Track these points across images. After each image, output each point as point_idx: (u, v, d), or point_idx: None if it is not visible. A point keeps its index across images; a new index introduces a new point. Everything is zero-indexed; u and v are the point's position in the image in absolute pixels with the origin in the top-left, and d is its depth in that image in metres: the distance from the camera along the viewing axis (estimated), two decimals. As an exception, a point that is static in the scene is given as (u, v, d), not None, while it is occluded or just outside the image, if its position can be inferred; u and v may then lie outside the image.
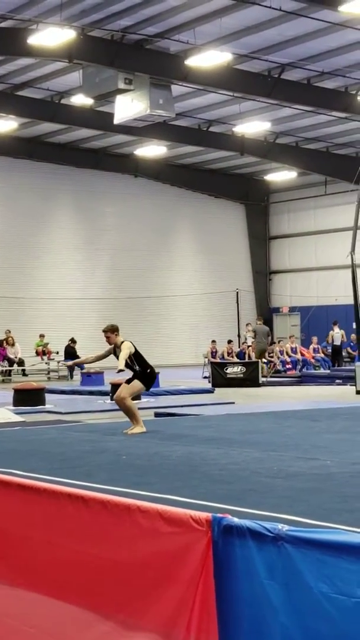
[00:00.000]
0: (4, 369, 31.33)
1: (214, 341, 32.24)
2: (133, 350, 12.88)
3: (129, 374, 13.13)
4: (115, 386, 20.30)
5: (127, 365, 12.84)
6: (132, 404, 13.12)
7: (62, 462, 9.88)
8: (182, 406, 18.05)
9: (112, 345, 12.99)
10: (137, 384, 13.01)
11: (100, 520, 4.15)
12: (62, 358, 32.48)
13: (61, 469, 8.94)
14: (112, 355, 13.22)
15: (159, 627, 3.80)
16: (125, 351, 12.77)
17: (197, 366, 32.06)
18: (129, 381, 13.04)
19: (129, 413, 12.96)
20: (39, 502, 4.44)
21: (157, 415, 16.49)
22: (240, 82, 27.13)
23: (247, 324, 36.97)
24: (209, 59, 24.48)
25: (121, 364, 12.70)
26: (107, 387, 21.40)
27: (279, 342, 33.21)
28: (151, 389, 21.93)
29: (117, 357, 12.93)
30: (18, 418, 15.97)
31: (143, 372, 12.93)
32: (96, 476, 8.38)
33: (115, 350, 13.03)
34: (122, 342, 12.88)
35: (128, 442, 11.72)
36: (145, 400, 19.72)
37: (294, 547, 3.55)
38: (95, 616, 4.06)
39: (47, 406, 18.82)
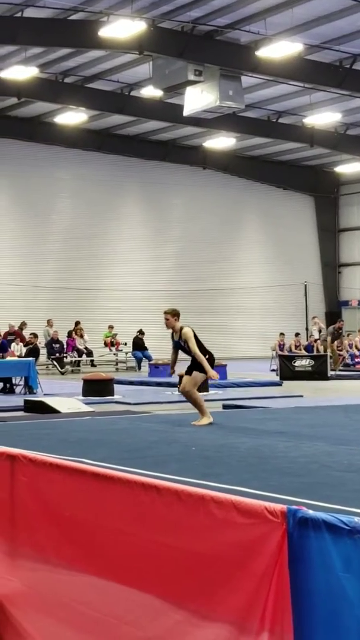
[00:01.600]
0: (73, 359, 31.60)
1: (282, 334, 32.10)
2: (194, 337, 12.78)
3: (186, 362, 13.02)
4: (181, 377, 20.37)
5: (188, 352, 12.76)
6: (198, 395, 13.08)
7: (132, 452, 9.94)
8: (250, 398, 18.04)
9: (171, 331, 12.81)
10: (198, 375, 12.91)
11: (173, 510, 4.15)
12: (130, 349, 32.66)
13: (131, 459, 8.98)
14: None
15: (233, 618, 3.79)
16: (192, 340, 12.67)
17: (264, 359, 31.95)
18: (189, 371, 12.95)
19: (196, 405, 12.94)
20: (112, 491, 4.46)
21: (225, 407, 16.49)
22: (311, 72, 26.92)
23: (313, 317, 36.69)
24: (280, 49, 24.35)
25: (198, 354, 12.63)
26: (175, 379, 21.46)
27: (347, 335, 32.89)
28: (219, 381, 22.01)
29: (176, 342, 12.73)
30: (87, 408, 16.11)
31: (210, 357, 12.83)
32: (166, 466, 8.41)
33: (173, 335, 12.87)
34: (182, 328, 12.76)
35: (197, 434, 11.73)
36: (213, 392, 19.74)
37: (370, 540, 3.52)
38: (168, 605, 4.06)
39: (116, 397, 18.96)
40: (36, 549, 4.96)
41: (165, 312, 12.83)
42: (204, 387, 20.00)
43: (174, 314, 12.79)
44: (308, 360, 26.22)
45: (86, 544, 4.63)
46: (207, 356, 12.83)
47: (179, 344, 12.85)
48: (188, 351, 12.74)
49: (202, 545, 4.00)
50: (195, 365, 12.79)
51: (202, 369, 12.76)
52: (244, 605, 3.77)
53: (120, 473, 4.59)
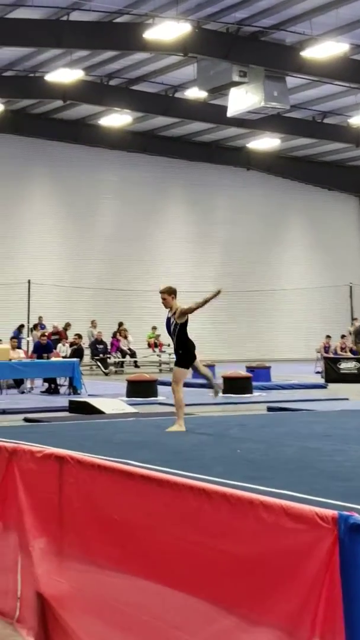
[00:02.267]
0: (117, 360, 31.69)
1: (328, 336, 31.91)
2: (186, 319, 12.07)
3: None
4: (228, 379, 20.34)
5: (178, 345, 12.22)
6: (180, 395, 12.41)
7: (176, 454, 9.92)
8: (294, 401, 17.93)
9: (168, 311, 12.23)
10: (179, 371, 12.28)
11: (222, 513, 4.12)
12: (173, 350, 32.63)
13: (175, 461, 8.96)
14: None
15: (283, 624, 3.75)
16: (182, 317, 12.10)
17: (308, 361, 31.79)
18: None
19: (176, 405, 12.32)
20: (160, 494, 4.44)
21: (269, 409, 16.41)
22: (357, 72, 26.78)
23: (354, 319, 36.34)
24: (325, 49, 24.24)
25: (197, 305, 12.15)
26: (219, 380, 21.43)
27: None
28: (263, 383, 21.91)
29: (167, 319, 12.25)
30: (131, 409, 16.13)
31: (185, 354, 12.20)
32: (211, 469, 8.37)
33: (169, 319, 12.25)
34: (178, 307, 12.17)
35: (242, 436, 11.68)
36: (257, 394, 19.68)
37: None
38: (217, 609, 4.04)
39: (160, 398, 18.97)
40: (84, 550, 4.96)
41: (161, 292, 12.26)
42: (247, 388, 19.98)
43: (170, 292, 12.19)
44: (354, 362, 26.02)
45: (134, 547, 4.62)
46: (182, 352, 12.09)
47: (168, 323, 12.33)
48: (171, 335, 12.12)
49: (251, 549, 3.97)
50: (179, 359, 12.14)
51: (182, 363, 12.20)
52: (294, 612, 3.73)
53: (169, 476, 4.57)
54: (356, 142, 34.74)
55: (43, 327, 29.82)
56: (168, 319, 12.28)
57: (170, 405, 17.56)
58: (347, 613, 3.54)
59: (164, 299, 12.14)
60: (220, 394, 14.32)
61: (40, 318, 31.11)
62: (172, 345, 32.80)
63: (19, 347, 24.70)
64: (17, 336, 27.80)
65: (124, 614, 4.55)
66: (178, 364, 12.15)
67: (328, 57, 24.71)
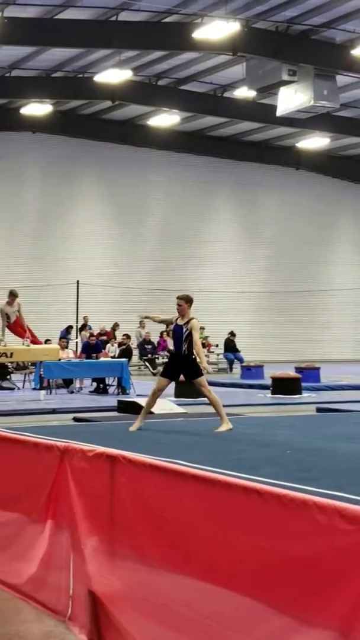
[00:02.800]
0: (165, 360, 31.70)
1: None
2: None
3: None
4: (276, 380, 20.26)
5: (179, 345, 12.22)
6: (215, 397, 12.14)
7: (226, 454, 9.88)
8: (344, 402, 17.79)
9: (177, 317, 11.85)
10: (201, 377, 11.93)
11: (275, 514, 4.12)
12: (222, 351, 32.65)
13: (225, 461, 8.92)
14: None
15: (336, 625, 3.74)
16: (197, 332, 12.02)
17: (358, 362, 31.54)
18: (176, 376, 12.23)
19: (217, 408, 12.20)
20: (213, 494, 4.44)
21: (319, 410, 16.29)
22: None
23: None
24: (376, 48, 24.00)
25: (199, 345, 11.96)
26: (267, 381, 21.36)
27: None
28: (312, 384, 21.77)
29: (178, 327, 11.85)
30: (180, 409, 16.14)
31: (195, 360, 11.84)
32: (261, 470, 8.32)
33: (176, 320, 11.86)
34: (192, 319, 11.72)
35: (291, 437, 11.62)
36: (306, 395, 19.58)
37: None
38: (269, 609, 4.03)
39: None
40: (136, 549, 4.98)
41: (179, 298, 11.90)
42: (296, 389, 19.89)
43: (188, 299, 11.83)
44: None
45: (186, 546, 4.63)
46: (194, 358, 11.82)
47: (180, 331, 12.16)
48: (182, 342, 12.11)
49: (305, 550, 3.96)
50: (189, 371, 11.95)
51: (198, 369, 11.97)
52: (348, 612, 3.71)
53: (221, 476, 4.57)
54: None
55: (89, 327, 29.97)
56: (179, 327, 12.08)
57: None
58: None
59: (180, 305, 11.91)
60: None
61: (85, 318, 31.25)
62: (220, 346, 32.50)
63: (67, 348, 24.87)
64: (64, 336, 27.97)
65: (175, 613, 4.55)
66: (196, 372, 12.02)
67: (378, 56, 24.52)
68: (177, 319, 12.07)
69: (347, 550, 3.79)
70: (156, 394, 12.36)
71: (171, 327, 12.28)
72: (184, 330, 11.86)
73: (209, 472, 4.79)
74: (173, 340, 12.18)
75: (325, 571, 3.88)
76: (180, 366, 12.12)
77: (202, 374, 12.01)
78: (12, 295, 19.30)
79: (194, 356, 11.74)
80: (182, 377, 12.54)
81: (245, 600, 4.17)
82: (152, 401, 12.52)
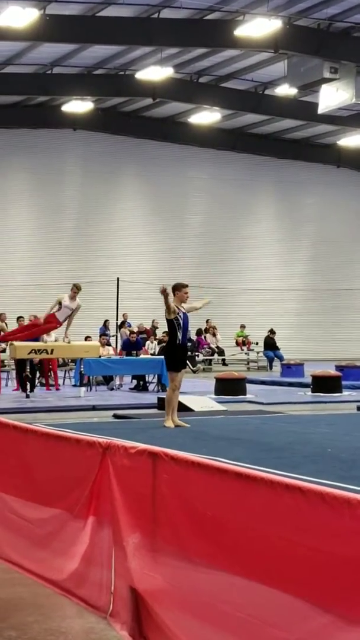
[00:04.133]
0: (205, 357, 31.75)
1: None
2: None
3: None
4: (317, 378, 20.19)
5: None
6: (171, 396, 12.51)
7: (267, 452, 9.89)
8: (385, 401, 17.68)
9: (178, 305, 12.33)
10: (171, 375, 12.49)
11: (317, 512, 4.10)
12: (262, 348, 32.59)
13: (266, 459, 8.94)
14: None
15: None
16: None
17: None
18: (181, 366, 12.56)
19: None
20: (255, 491, 4.43)
21: (359, 409, 16.23)
22: None
23: None
24: None
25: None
26: (308, 379, 21.30)
27: None
28: (353, 382, 21.64)
29: (184, 314, 12.31)
30: (220, 407, 16.15)
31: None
32: (302, 468, 8.33)
33: (178, 308, 12.35)
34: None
35: (332, 435, 11.59)
36: (347, 394, 19.50)
37: None
38: (312, 607, 4.01)
39: (248, 396, 18.94)
40: (178, 546, 4.98)
41: (186, 286, 12.55)
42: (337, 387, 19.79)
43: None
44: None
45: (228, 544, 4.62)
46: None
47: (187, 319, 12.28)
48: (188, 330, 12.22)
49: (348, 549, 3.93)
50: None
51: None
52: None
53: (263, 473, 4.56)
54: None
55: (129, 325, 30.05)
56: (186, 315, 12.35)
57: (258, 404, 17.53)
58: None
59: (187, 293, 12.38)
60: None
61: (124, 315, 31.33)
62: (260, 344, 32.50)
63: (108, 344, 24.97)
64: (104, 332, 28.12)
65: (218, 610, 4.55)
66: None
67: None
68: (180, 308, 12.28)
69: (391, 549, 3.77)
70: (178, 388, 12.56)
71: (180, 314, 12.36)
72: (185, 317, 12.20)
73: (250, 469, 4.78)
74: (183, 330, 12.33)
75: (369, 570, 3.85)
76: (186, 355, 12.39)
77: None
78: (78, 288, 19.01)
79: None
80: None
81: (287, 597, 4.16)
82: (175, 396, 12.69)
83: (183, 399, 16.31)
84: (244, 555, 4.48)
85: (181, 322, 12.27)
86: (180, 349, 12.41)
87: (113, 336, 30.06)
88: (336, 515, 4.01)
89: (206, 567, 4.69)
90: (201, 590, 4.70)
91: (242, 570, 4.47)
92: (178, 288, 12.56)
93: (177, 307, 12.34)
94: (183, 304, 12.54)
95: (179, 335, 12.26)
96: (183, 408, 15.44)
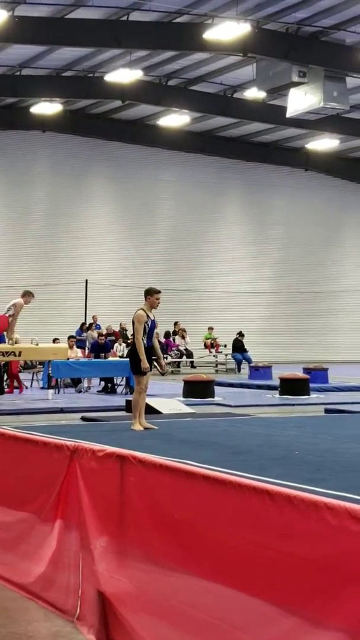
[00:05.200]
0: (173, 360, 31.74)
1: None
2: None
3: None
4: (285, 381, 20.25)
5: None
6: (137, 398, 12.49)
7: (235, 455, 9.88)
8: (353, 403, 17.77)
9: (148, 312, 12.15)
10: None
11: (285, 515, 4.11)
12: (230, 351, 32.66)
13: (234, 462, 8.92)
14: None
15: (347, 627, 3.73)
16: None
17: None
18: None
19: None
20: (223, 494, 4.44)
21: (327, 411, 16.28)
22: None
23: None
24: (386, 49, 23.96)
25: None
26: (276, 382, 21.35)
27: None
28: (320, 385, 21.72)
29: (152, 322, 12.22)
30: (188, 409, 16.13)
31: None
32: (270, 470, 8.32)
33: (148, 317, 12.13)
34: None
35: (299, 437, 11.61)
36: (314, 396, 19.55)
37: None
38: (279, 611, 4.03)
39: (216, 399, 18.94)
40: (145, 549, 4.98)
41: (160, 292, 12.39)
42: (304, 390, 19.85)
43: None
44: None
45: (195, 547, 4.63)
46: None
47: (153, 325, 12.26)
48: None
49: (315, 552, 3.95)
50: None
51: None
52: (358, 614, 3.70)
53: (231, 476, 4.57)
54: None
55: (98, 327, 29.98)
56: (153, 322, 12.28)
57: (226, 406, 17.54)
58: None
59: (159, 299, 12.28)
60: None
61: (94, 318, 31.27)
62: (228, 346, 32.52)
63: (81, 347, 24.88)
64: (80, 335, 28.05)
65: (185, 614, 4.55)
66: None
67: (389, 57, 24.50)
68: (149, 315, 12.22)
69: (358, 551, 3.78)
70: (145, 391, 12.51)
71: (148, 322, 12.30)
72: (155, 324, 12.16)
73: (218, 472, 4.78)
74: (148, 335, 12.25)
75: (335, 572, 3.87)
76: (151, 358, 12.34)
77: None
78: (31, 295, 18.90)
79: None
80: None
81: (254, 601, 4.17)
82: (142, 399, 12.63)
83: (151, 401, 16.29)
84: (211, 558, 4.49)
85: (147, 329, 12.21)
86: (147, 351, 12.38)
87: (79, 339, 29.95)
88: (303, 518, 4.03)
89: (173, 570, 4.69)
90: (168, 593, 4.70)
91: (209, 574, 4.48)
92: (150, 293, 12.44)
93: (147, 314, 12.28)
94: (153, 309, 12.50)
95: (144, 340, 12.19)
96: (151, 410, 15.42)
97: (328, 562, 3.89)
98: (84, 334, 28.99)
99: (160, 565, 4.81)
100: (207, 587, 4.44)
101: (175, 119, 32.94)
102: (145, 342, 12.28)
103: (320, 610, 3.85)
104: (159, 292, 12.43)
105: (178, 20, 24.59)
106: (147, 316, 12.26)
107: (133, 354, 12.50)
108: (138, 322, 12.09)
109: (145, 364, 12.11)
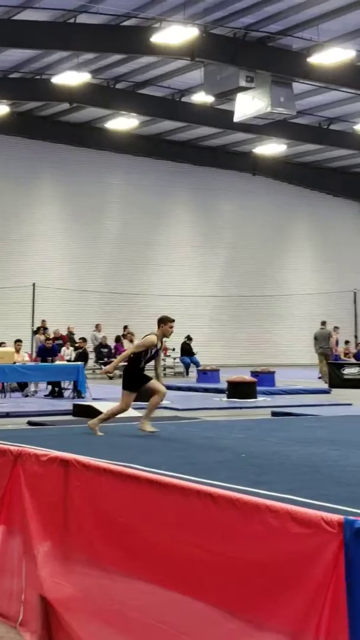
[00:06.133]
0: (122, 364, 31.66)
1: (347, 341, 31.86)
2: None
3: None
4: (232, 384, 20.32)
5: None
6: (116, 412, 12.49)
7: (181, 458, 9.89)
8: (298, 406, 17.90)
9: (157, 340, 11.99)
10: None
11: (228, 518, 4.12)
12: (178, 354, 32.69)
13: (181, 465, 8.93)
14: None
15: (287, 629, 3.75)
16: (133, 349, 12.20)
17: (312, 366, 31.74)
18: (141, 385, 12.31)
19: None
20: (167, 498, 4.44)
21: (274, 414, 16.39)
22: (364, 79, 26.73)
23: (335, 328, 35.52)
24: (332, 56, 24.22)
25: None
26: (223, 385, 21.42)
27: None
28: (267, 388, 21.86)
29: (157, 350, 12.14)
30: (136, 413, 16.08)
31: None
32: (216, 474, 8.34)
33: (158, 344, 12.01)
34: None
35: (246, 441, 11.66)
36: (261, 399, 19.65)
37: None
38: (222, 613, 4.03)
39: (164, 402, 18.88)
40: (89, 554, 4.96)
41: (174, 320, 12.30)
42: (251, 393, 19.95)
43: None
44: (357, 368, 26.01)
45: (140, 551, 4.62)
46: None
47: (157, 353, 12.23)
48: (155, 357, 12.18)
49: (257, 554, 3.97)
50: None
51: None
52: (299, 616, 3.73)
53: (175, 480, 4.57)
54: (361, 148, 34.80)
55: (44, 330, 29.83)
56: (158, 350, 12.20)
57: (173, 410, 17.56)
58: (352, 617, 3.53)
59: (172, 328, 12.15)
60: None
61: (43, 322, 31.10)
62: (176, 350, 32.49)
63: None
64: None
65: (128, 617, 4.54)
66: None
67: (334, 64, 24.67)
68: (159, 342, 12.10)
69: (300, 553, 3.81)
70: (124, 410, 12.49)
71: (153, 350, 12.19)
72: (159, 347, 12.08)
73: (164, 476, 4.78)
74: (147, 359, 12.15)
75: (277, 575, 3.89)
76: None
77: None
78: None
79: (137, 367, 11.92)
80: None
81: (198, 604, 4.18)
82: (117, 412, 12.61)
83: (98, 405, 16.24)
84: (156, 562, 4.48)
85: (150, 354, 12.14)
86: (139, 372, 12.26)
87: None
88: (246, 520, 4.04)
89: (118, 575, 4.68)
90: (112, 597, 4.69)
91: (154, 577, 4.47)
92: (164, 321, 12.31)
93: (157, 342, 12.15)
94: (165, 338, 12.41)
95: (142, 364, 12.13)
96: (98, 414, 15.35)
97: (270, 564, 3.91)
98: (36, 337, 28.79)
99: (104, 570, 4.79)
100: (151, 591, 4.43)
101: (124, 123, 32.91)
102: (143, 365, 12.20)
103: (262, 613, 3.87)
104: (173, 320, 12.31)
105: (126, 23, 24.58)
106: (156, 344, 12.16)
107: (128, 371, 12.37)
108: (144, 344, 11.94)
109: (111, 367, 12.52)
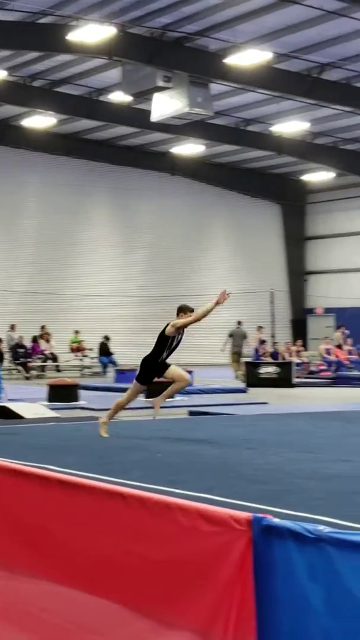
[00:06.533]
0: (39, 364, 31.47)
1: (263, 341, 32.12)
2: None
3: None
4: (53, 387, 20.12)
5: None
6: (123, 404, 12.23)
7: (97, 458, 9.86)
8: (215, 405, 18.02)
9: (173, 330, 11.96)
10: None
11: (138, 517, 4.13)
12: (96, 354, 32.61)
13: (96, 466, 8.90)
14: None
15: (197, 626, 3.77)
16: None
17: (230, 365, 31.98)
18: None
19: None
20: (77, 498, 4.42)
21: (191, 413, 16.46)
22: (279, 81, 27.01)
23: (258, 327, 35.94)
24: (249, 57, 24.39)
25: None
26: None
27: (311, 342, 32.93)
28: (185, 388, 21.90)
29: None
30: (52, 414, 15.99)
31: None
32: (131, 473, 8.34)
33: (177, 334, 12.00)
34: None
35: (162, 440, 11.69)
36: (179, 399, 19.70)
37: (334, 548, 3.51)
38: (132, 613, 4.04)
39: (81, 402, 18.86)
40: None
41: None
42: (74, 396, 19.80)
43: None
44: (273, 367, 26.30)
45: (49, 551, 4.59)
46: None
47: (178, 343, 12.27)
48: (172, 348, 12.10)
49: (167, 553, 3.98)
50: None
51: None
52: (208, 614, 3.75)
53: (85, 480, 4.56)
54: (278, 150, 35.07)
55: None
56: (179, 340, 12.13)
57: (91, 410, 17.48)
58: (260, 614, 3.57)
59: None
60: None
61: None
62: (95, 350, 32.27)
63: None
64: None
65: (36, 618, 4.51)
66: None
67: (251, 65, 24.84)
68: (175, 335, 11.96)
69: (209, 551, 3.83)
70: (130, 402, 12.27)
71: (179, 337, 12.10)
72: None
73: (78, 476, 4.76)
74: (169, 351, 12.05)
75: (186, 573, 3.91)
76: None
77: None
78: None
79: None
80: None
81: (107, 604, 4.17)
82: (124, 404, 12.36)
83: (14, 406, 16.09)
84: (65, 562, 4.46)
85: (175, 343, 11.99)
86: (159, 365, 12.05)
87: None
88: (156, 519, 4.05)
89: (26, 576, 4.65)
90: (20, 598, 4.65)
91: (63, 578, 4.45)
92: (184, 310, 12.16)
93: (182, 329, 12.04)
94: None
95: (164, 355, 11.95)
96: (13, 415, 15.24)
97: (179, 563, 3.93)
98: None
99: (11, 571, 4.75)
100: (60, 592, 4.41)
101: (41, 121, 32.62)
102: (164, 357, 12.02)
103: (173, 611, 3.88)
104: (193, 310, 12.20)
105: (42, 20, 24.38)
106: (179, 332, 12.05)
107: (146, 362, 12.11)
108: (174, 326, 11.76)
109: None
